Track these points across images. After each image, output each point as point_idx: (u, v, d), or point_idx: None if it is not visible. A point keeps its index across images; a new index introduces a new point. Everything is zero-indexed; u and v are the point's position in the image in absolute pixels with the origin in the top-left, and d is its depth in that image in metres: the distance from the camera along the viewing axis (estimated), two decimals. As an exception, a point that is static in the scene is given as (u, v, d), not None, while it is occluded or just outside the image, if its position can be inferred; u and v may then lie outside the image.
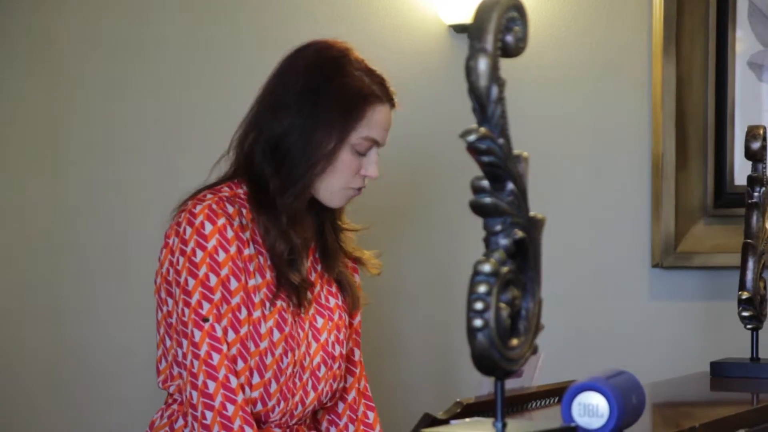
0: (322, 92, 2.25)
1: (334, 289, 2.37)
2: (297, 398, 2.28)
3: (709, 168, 3.33)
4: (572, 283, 3.35)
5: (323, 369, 2.31)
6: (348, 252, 2.39)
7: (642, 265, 3.34)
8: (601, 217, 3.37)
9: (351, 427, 2.42)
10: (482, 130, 1.34)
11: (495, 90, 1.35)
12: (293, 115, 2.25)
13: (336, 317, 2.35)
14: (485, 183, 1.36)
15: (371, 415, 2.45)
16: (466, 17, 3.28)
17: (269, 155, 2.25)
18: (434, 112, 3.38)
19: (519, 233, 1.37)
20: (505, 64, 1.38)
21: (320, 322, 2.32)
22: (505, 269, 1.34)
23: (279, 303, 2.24)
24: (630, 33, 3.35)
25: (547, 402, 1.90)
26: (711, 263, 3.29)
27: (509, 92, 1.40)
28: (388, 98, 2.31)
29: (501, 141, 1.36)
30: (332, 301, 2.35)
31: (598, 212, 3.37)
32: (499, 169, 1.35)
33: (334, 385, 2.35)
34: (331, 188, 2.28)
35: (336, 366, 2.33)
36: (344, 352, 2.36)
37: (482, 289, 1.31)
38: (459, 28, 3.34)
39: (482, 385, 1.76)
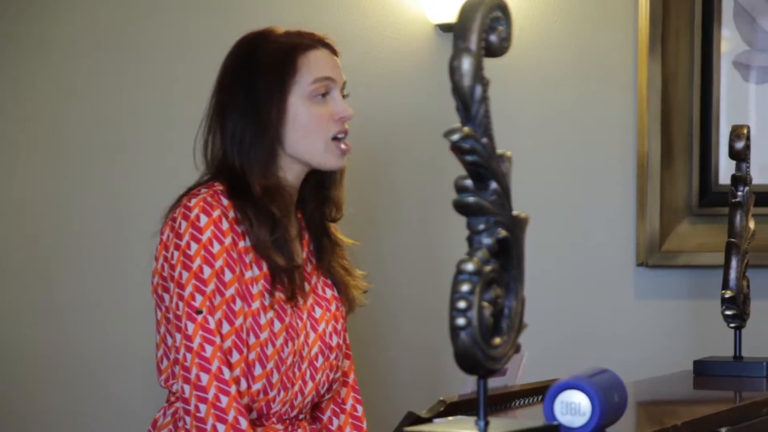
0: (251, 67, 2.29)
1: (330, 281, 2.38)
2: (296, 388, 2.28)
3: (694, 167, 3.33)
4: (557, 282, 3.36)
5: (321, 359, 2.32)
6: (340, 257, 2.40)
7: (627, 264, 3.35)
8: (586, 216, 3.37)
9: (335, 421, 2.43)
10: (466, 129, 1.35)
11: (479, 89, 1.36)
12: (237, 102, 2.29)
13: (333, 308, 2.36)
14: (469, 182, 1.36)
15: (360, 408, 2.46)
16: (453, 16, 3.28)
17: (234, 149, 2.27)
18: (421, 111, 3.38)
19: (502, 232, 1.38)
20: (490, 63, 1.38)
21: (318, 312, 2.33)
22: (488, 268, 1.35)
23: (277, 294, 2.25)
24: (616, 33, 3.36)
25: (531, 400, 1.90)
26: (695, 262, 3.30)
27: (494, 92, 1.40)
28: (321, 44, 2.32)
29: (484, 140, 1.36)
30: (329, 292, 2.37)
31: (583, 211, 3.38)
32: (482, 168, 1.36)
33: (331, 376, 2.35)
34: (315, 147, 2.29)
35: (333, 356, 2.34)
36: (341, 342, 2.37)
37: (465, 287, 1.32)
38: (445, 28, 3.35)
39: (466, 384, 1.77)
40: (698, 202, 3.33)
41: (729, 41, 3.35)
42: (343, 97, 2.34)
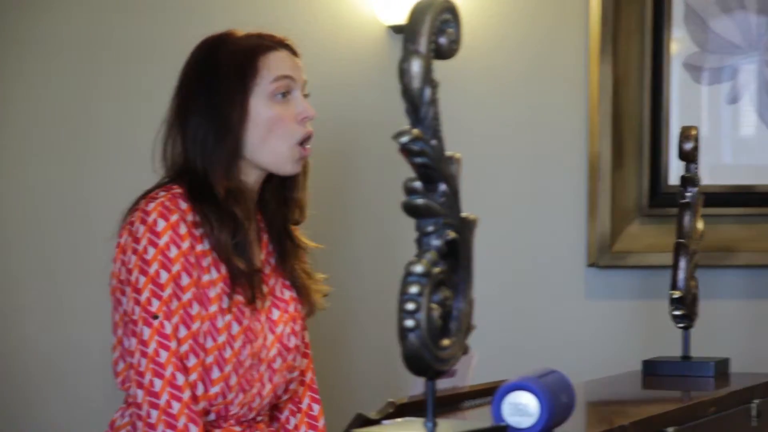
0: (212, 70, 2.28)
1: (288, 282, 2.37)
2: (255, 390, 2.28)
3: (645, 168, 3.36)
4: (508, 283, 3.37)
5: (279, 361, 2.31)
6: (302, 261, 2.40)
7: (578, 265, 3.37)
8: (537, 216, 3.39)
9: (292, 420, 2.42)
10: (415, 131, 1.35)
11: (428, 92, 1.36)
12: (198, 104, 2.28)
13: (291, 309, 2.35)
14: (418, 184, 1.37)
15: (316, 407, 2.45)
16: (404, 18, 3.29)
17: (197, 152, 2.26)
18: (373, 113, 3.39)
19: (451, 234, 1.38)
20: (441, 66, 1.39)
21: (276, 314, 2.32)
22: (437, 270, 1.35)
23: (236, 297, 2.24)
24: (567, 34, 3.38)
25: (480, 401, 1.91)
26: (645, 263, 3.32)
27: (445, 94, 1.41)
28: (281, 45, 2.32)
29: (434, 142, 1.37)
30: (287, 294, 2.36)
31: (534, 212, 3.39)
32: (431, 170, 1.36)
33: (288, 377, 2.35)
34: (278, 151, 2.28)
35: (291, 358, 2.34)
36: (299, 344, 2.37)
37: (414, 289, 1.32)
38: (397, 29, 3.35)
39: (416, 385, 1.77)
40: (648, 203, 3.36)
41: (680, 43, 3.37)
42: (305, 96, 2.33)
